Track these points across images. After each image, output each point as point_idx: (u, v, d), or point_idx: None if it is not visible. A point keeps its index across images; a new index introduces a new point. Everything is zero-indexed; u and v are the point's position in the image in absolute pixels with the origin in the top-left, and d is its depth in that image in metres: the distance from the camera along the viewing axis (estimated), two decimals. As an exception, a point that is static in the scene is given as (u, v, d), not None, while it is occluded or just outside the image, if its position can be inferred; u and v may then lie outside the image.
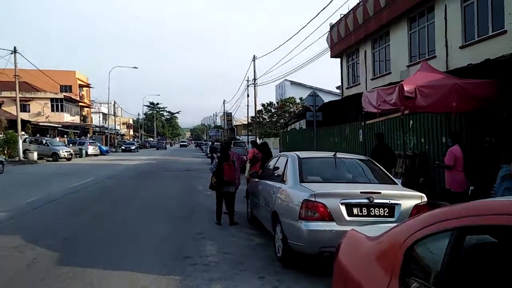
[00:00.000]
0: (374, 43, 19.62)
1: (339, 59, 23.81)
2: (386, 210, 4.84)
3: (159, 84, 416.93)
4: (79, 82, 61.86)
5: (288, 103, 32.03)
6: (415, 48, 16.36)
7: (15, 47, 29.36)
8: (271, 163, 7.45)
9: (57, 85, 51.67)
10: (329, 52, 23.29)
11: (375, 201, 4.79)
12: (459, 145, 7.00)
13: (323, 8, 17.81)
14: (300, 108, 30.76)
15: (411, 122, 11.34)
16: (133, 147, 54.03)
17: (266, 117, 34.44)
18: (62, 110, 52.32)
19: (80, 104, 60.27)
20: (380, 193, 4.87)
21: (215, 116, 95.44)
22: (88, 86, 67.05)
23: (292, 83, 50.84)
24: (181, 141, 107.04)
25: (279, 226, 5.47)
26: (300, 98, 32.35)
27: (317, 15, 24.27)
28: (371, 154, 9.08)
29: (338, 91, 52.49)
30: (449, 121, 9.41)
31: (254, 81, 30.12)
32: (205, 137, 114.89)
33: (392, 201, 4.85)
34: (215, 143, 31.32)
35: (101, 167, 24.16)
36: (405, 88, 7.36)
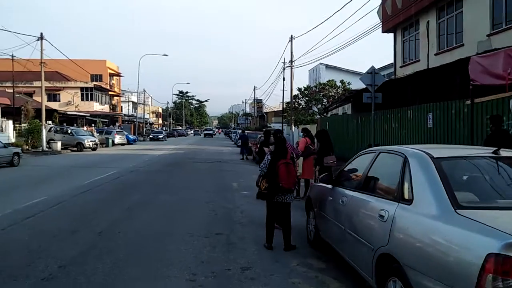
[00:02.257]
0: (440, 11, 16.36)
1: (391, 35, 20.61)
2: None
3: (189, 72, 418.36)
4: (109, 71, 61.07)
5: (327, 87, 29.01)
6: (500, 12, 13.08)
7: (41, 33, 27.86)
8: (358, 163, 4.78)
9: (88, 74, 50.90)
10: (380, 27, 20.12)
11: None
12: None
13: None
14: (342, 92, 27.74)
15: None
16: (161, 136, 52.59)
17: (303, 103, 31.53)
18: (91, 99, 51.60)
19: (110, 93, 59.49)
20: None
21: (244, 104, 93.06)
22: (118, 75, 66.24)
23: (328, 66, 47.51)
24: (206, 129, 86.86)
25: None
26: (341, 81, 29.26)
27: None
28: (485, 144, 6.30)
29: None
30: None
31: (291, 63, 27.28)
32: (233, 125, 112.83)
33: None
34: (246, 131, 28.81)
35: (125, 158, 22.25)
36: None
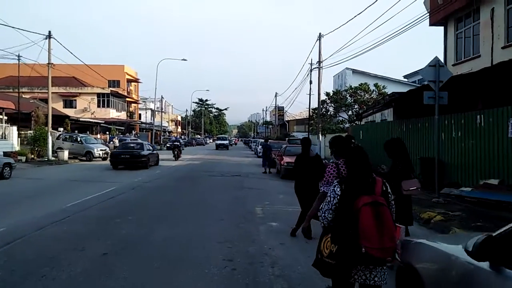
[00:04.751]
0: (509, -5, 13.38)
1: (441, 28, 17.64)
2: None
3: (208, 80, 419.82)
4: (127, 76, 59.73)
5: (359, 91, 26.05)
6: None
7: (49, 32, 26.00)
8: None
9: (105, 80, 49.49)
10: (428, 19, 17.16)
11: None
12: None
13: None
14: (376, 96, 24.76)
15: None
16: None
17: (331, 109, 28.63)
18: (108, 106, 50.15)
19: (127, 99, 57.99)
20: None
21: (264, 112, 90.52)
22: (136, 81, 64.90)
23: (354, 71, 44.51)
24: (219, 137, 67.15)
25: None
26: (375, 84, 26.22)
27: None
28: None
29: (406, 80, 45.80)
30: None
31: (319, 64, 24.44)
32: (253, 134, 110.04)
33: None
34: (269, 140, 26.02)
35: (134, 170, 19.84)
36: None
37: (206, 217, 8.25)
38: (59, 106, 46.65)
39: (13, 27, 22.66)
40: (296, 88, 75.06)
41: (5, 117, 26.66)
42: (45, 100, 43.62)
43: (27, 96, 42.86)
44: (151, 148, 24.01)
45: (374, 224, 2.58)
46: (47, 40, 25.61)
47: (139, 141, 27.64)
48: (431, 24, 17.73)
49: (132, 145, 22.73)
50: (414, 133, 14.93)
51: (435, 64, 10.17)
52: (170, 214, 8.53)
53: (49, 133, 25.15)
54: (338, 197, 2.84)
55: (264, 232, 7.10)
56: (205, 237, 6.54)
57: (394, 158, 5.29)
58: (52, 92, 45.96)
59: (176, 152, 28.13)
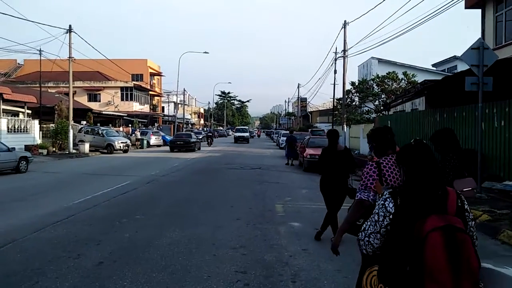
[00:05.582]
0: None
1: (479, 11, 16.15)
2: None
3: (230, 72, 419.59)
4: (150, 70, 59.85)
5: (387, 80, 24.63)
6: None
7: (70, 26, 25.84)
8: None
9: (129, 74, 49.69)
10: (463, 1, 15.73)
11: None
12: None
13: None
14: (406, 85, 23.33)
15: None
16: (200, 137, 50.01)
17: (356, 99, 27.32)
18: (131, 99, 50.39)
19: (150, 93, 58.18)
20: None
21: (286, 103, 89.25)
22: (159, 74, 65.04)
23: (380, 61, 42.85)
24: (238, 129, 55.28)
25: None
26: (404, 73, 24.71)
27: None
28: None
29: (435, 69, 43.57)
30: None
31: (344, 53, 23.18)
32: (275, 126, 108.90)
33: None
34: (294, 132, 25.07)
35: (152, 162, 19.41)
36: None
37: (220, 216, 7.49)
38: (83, 100, 47.15)
39: (32, 21, 22.60)
40: (319, 79, 73.72)
41: (29, 111, 26.84)
42: (71, 94, 44.18)
43: (53, 90, 43.41)
44: (195, 137, 31.81)
45: (446, 259, 1.69)
46: (68, 34, 25.45)
47: (188, 132, 35.05)
48: (467, 7, 16.29)
49: (183, 135, 31.65)
50: (449, 123, 13.65)
51: (478, 47, 8.99)
52: (182, 213, 7.81)
53: (70, 126, 25.07)
54: (391, 217, 1.93)
55: (285, 234, 6.26)
56: (217, 241, 5.77)
57: (444, 152, 4.31)
58: (77, 87, 47.00)
59: (209, 140, 39.16)
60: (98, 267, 4.64)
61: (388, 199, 1.97)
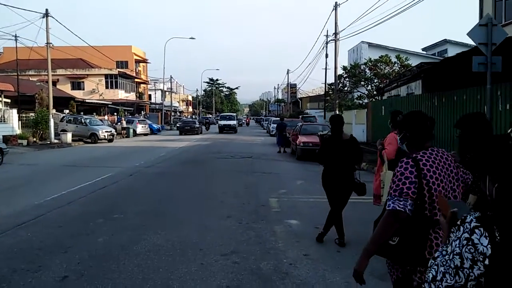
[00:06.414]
0: None
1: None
2: None
3: (218, 59, 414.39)
4: (135, 57, 58.15)
5: (379, 63, 23.92)
6: None
7: (46, 10, 24.41)
8: None
9: (113, 61, 48.10)
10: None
11: None
12: None
13: None
14: (399, 69, 22.64)
15: None
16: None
17: (348, 84, 26.60)
18: (116, 87, 48.99)
19: (136, 80, 56.63)
20: None
21: (276, 90, 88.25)
22: (144, 61, 63.29)
23: (370, 45, 42.03)
24: (223, 116, 45.83)
25: None
26: (397, 56, 24.01)
27: None
28: None
29: (425, 52, 42.99)
30: None
31: (335, 36, 22.32)
32: (265, 113, 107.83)
33: None
34: (284, 118, 24.30)
35: (137, 152, 18.52)
36: None
37: (209, 214, 6.73)
38: (66, 88, 45.60)
39: (5, 5, 21.13)
40: (309, 64, 72.76)
41: (8, 100, 25.52)
42: (54, 83, 42.61)
43: (34, 79, 41.74)
44: (198, 123, 39.53)
45: None
46: (44, 19, 24.04)
47: (193, 119, 43.89)
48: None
49: (189, 121, 40.19)
50: (449, 108, 13.05)
51: (486, 23, 8.24)
52: (166, 211, 7.04)
53: (51, 115, 23.92)
54: (487, 262, 1.15)
55: (282, 235, 5.54)
56: (205, 246, 5.02)
57: (462, 141, 3.59)
58: (60, 74, 45.42)
59: (207, 126, 45.18)
60: (60, 284, 3.86)
61: (477, 231, 1.19)
